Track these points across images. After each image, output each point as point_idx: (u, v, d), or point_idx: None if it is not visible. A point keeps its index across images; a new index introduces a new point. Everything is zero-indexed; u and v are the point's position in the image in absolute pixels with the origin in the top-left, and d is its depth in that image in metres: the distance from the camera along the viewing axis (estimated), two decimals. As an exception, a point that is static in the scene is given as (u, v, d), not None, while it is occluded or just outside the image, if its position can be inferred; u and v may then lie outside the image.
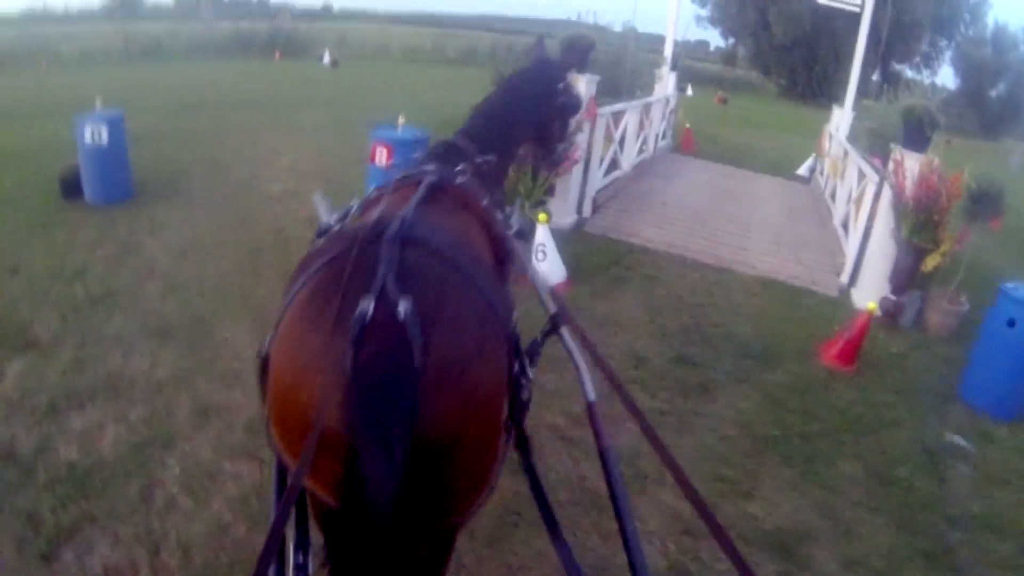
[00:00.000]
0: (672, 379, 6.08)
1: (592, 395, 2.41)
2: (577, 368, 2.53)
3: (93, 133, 8.06)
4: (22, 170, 9.52)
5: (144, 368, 5.15)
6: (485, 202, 2.94)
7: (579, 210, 10.18)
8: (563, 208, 9.50)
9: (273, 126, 13.07)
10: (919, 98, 10.93)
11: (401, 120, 8.16)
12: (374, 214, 2.31)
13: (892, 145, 8.79)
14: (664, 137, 16.78)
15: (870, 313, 6.87)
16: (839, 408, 6.06)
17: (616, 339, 6.69)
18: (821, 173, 15.85)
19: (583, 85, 8.89)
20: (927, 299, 8.19)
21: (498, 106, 3.85)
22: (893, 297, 8.11)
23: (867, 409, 6.16)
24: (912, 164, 8.04)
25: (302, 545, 2.22)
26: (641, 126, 13.48)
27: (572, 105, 4.23)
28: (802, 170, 17.41)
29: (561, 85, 4.15)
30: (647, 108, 13.89)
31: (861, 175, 10.39)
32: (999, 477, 5.57)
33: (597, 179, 10.70)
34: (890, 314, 8.11)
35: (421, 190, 2.55)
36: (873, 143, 13.49)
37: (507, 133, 3.84)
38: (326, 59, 27.07)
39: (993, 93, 45.12)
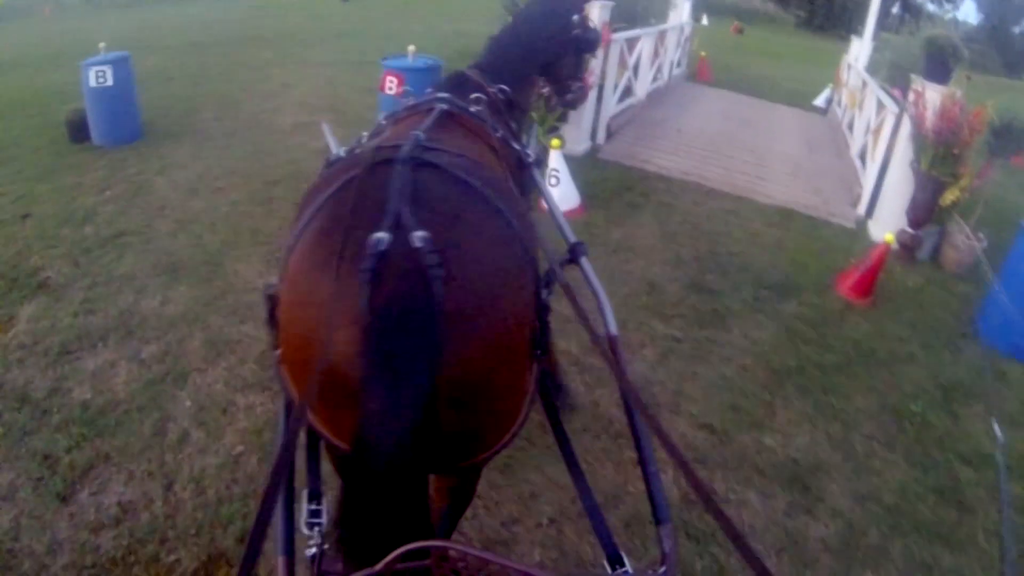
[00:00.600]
0: (686, 306, 6.05)
1: (614, 328, 2.38)
2: (598, 299, 2.50)
3: (98, 75, 7.90)
4: (29, 118, 9.36)
5: (155, 306, 5.13)
6: (500, 132, 2.87)
7: (593, 136, 10.07)
8: (577, 134, 9.39)
9: (283, 61, 12.89)
10: (942, 30, 10.72)
11: (411, 49, 8.02)
12: (387, 138, 2.27)
13: (913, 76, 8.64)
14: (679, 65, 16.51)
15: (887, 245, 6.78)
16: (854, 340, 6.00)
17: (630, 265, 6.65)
18: (839, 104, 15.62)
19: (596, 10, 8.71)
20: (945, 234, 8.10)
21: (511, 38, 3.75)
22: (910, 230, 8.01)
23: (882, 343, 6.11)
24: (933, 96, 7.85)
25: (315, 493, 2.10)
26: (656, 53, 13.24)
27: (588, 40, 4.03)
28: (819, 101, 17.20)
29: (576, 18, 3.93)
30: (662, 35, 13.64)
31: (880, 106, 10.19)
32: (1013, 418, 5.54)
33: (611, 106, 10.54)
34: (907, 247, 8.02)
35: (432, 115, 2.50)
36: (893, 75, 13.27)
37: (520, 66, 3.72)
38: None
39: (1017, 29, 44.40)
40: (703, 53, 18.46)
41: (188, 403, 4.21)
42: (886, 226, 8.11)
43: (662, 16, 15.84)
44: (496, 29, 3.87)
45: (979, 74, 25.50)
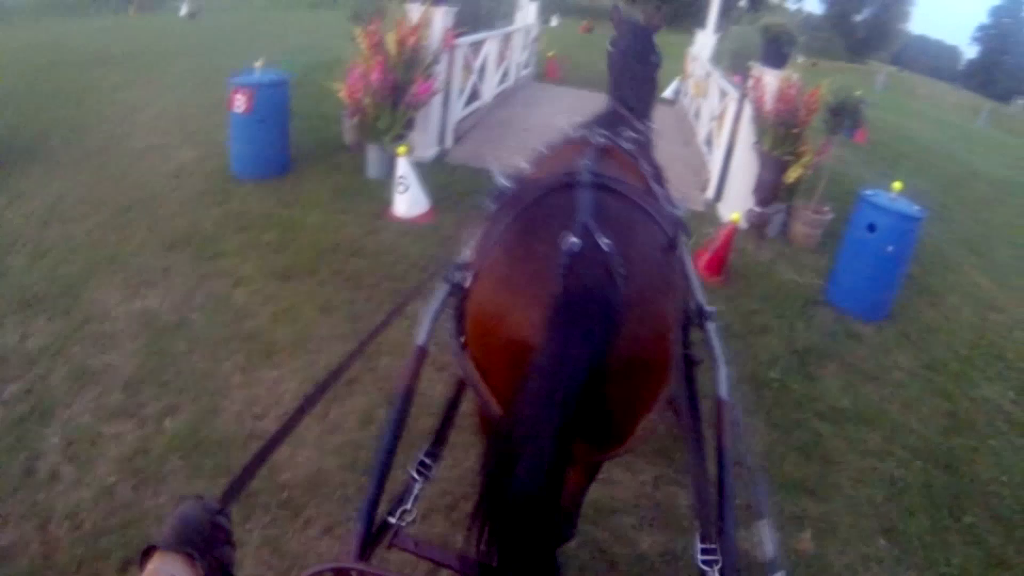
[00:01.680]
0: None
1: (725, 394, 2.57)
2: (716, 364, 2.69)
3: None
4: None
5: (15, 343, 4.94)
6: (650, 169, 3.18)
7: (441, 141, 10.11)
8: (424, 140, 9.45)
9: (132, 83, 12.44)
10: (778, 18, 11.18)
11: (259, 64, 7.98)
12: (554, 166, 2.60)
13: (751, 63, 9.01)
14: (527, 66, 16.75)
15: (734, 224, 7.10)
16: (709, 317, 6.20)
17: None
18: (685, 95, 16.13)
19: (439, 16, 8.79)
20: (792, 210, 8.51)
21: (637, 72, 4.09)
22: (758, 209, 8.38)
23: (737, 317, 6.39)
24: (771, 80, 8.28)
25: (433, 452, 2.53)
26: (502, 56, 13.45)
27: (660, 62, 4.30)
28: (667, 93, 17.64)
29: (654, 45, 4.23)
30: (507, 38, 13.82)
31: (723, 93, 10.65)
32: (867, 373, 5.91)
33: (457, 110, 10.62)
34: (756, 226, 8.39)
35: (592, 150, 2.77)
36: (735, 63, 13.77)
37: (650, 100, 4.19)
38: (184, 11, 25.71)
39: (858, 18, 46.67)
40: (551, 53, 18.76)
41: (56, 439, 4.10)
42: (734, 207, 8.46)
43: (508, 18, 16.06)
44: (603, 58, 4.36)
45: (825, 60, 26.63)
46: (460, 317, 2.39)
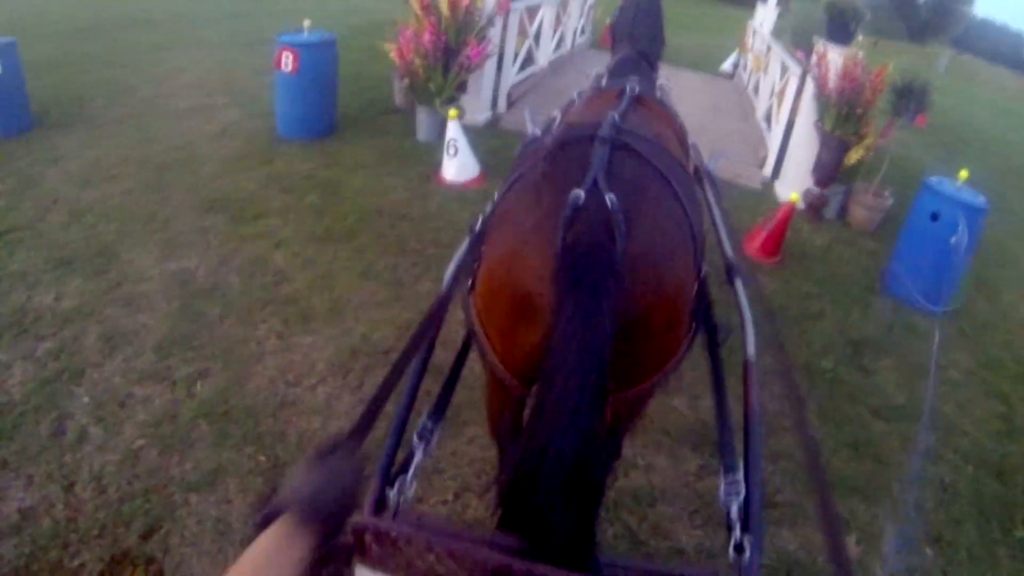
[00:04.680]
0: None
1: (752, 353, 2.59)
2: (743, 322, 2.74)
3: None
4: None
5: (49, 301, 4.87)
6: (679, 121, 3.33)
7: (494, 106, 9.94)
8: (477, 104, 9.26)
9: (174, 44, 12.33)
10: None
11: (307, 24, 7.80)
12: (585, 115, 2.72)
13: (815, 39, 8.71)
14: (583, 33, 16.40)
15: (792, 204, 6.83)
16: (763, 299, 6.00)
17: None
18: (744, 68, 15.77)
19: (494, -24, 8.57)
20: (851, 193, 8.23)
21: (648, 26, 4.29)
22: (817, 190, 8.11)
23: (791, 300, 6.17)
24: (835, 57, 7.98)
25: (436, 415, 2.41)
26: (558, 21, 13.10)
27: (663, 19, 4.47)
28: (726, 66, 17.30)
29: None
30: (564, 3, 13.47)
31: (784, 68, 10.34)
32: (923, 368, 5.61)
33: (511, 75, 10.40)
34: (814, 207, 8.13)
35: (626, 100, 2.79)
36: (797, 39, 13.42)
37: (659, 55, 4.39)
38: None
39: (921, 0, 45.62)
40: (609, 20, 18.23)
41: (86, 399, 4.03)
42: (792, 187, 8.21)
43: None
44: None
45: (885, 40, 26.01)
46: (472, 262, 2.41)
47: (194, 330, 4.69)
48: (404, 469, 2.18)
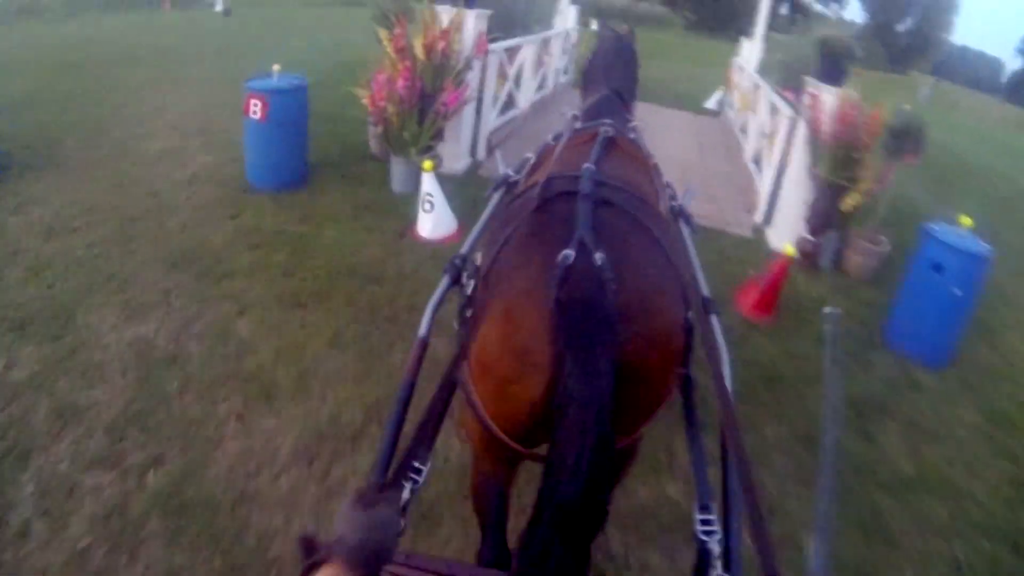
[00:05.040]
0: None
1: (729, 385, 2.54)
2: (717, 355, 2.63)
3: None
4: None
5: (0, 370, 4.59)
6: (654, 160, 3.35)
7: (473, 153, 9.67)
8: (455, 152, 8.99)
9: (157, 82, 12.14)
10: (835, 30, 10.70)
11: (276, 68, 7.56)
12: (559, 167, 2.74)
13: (806, 78, 8.50)
14: (566, 72, 16.33)
15: (788, 258, 6.54)
16: (760, 364, 5.77)
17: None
18: (730, 107, 15.62)
19: (471, 20, 8.33)
20: (846, 239, 7.95)
21: (623, 67, 4.51)
22: (811, 238, 7.85)
23: (788, 363, 5.89)
24: (829, 99, 7.75)
25: (422, 452, 2.40)
26: (540, 62, 12.98)
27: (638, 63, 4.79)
28: (711, 103, 17.20)
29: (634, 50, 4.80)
30: (546, 43, 13.35)
31: (774, 109, 10.13)
32: (930, 431, 5.43)
33: (491, 120, 10.14)
34: (808, 255, 7.87)
35: (598, 145, 2.91)
36: (786, 77, 13.27)
37: (633, 89, 4.57)
38: (219, 6, 25.46)
39: (900, 27, 46.05)
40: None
41: (31, 487, 3.72)
42: (784, 234, 7.99)
43: (545, 22, 15.59)
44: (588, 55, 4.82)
45: (865, 69, 26.03)
46: (464, 321, 2.58)
47: (150, 407, 4.38)
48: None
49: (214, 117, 10.20)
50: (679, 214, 3.52)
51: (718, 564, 2.17)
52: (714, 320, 2.86)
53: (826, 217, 7.71)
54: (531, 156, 3.54)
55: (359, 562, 1.38)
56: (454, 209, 7.27)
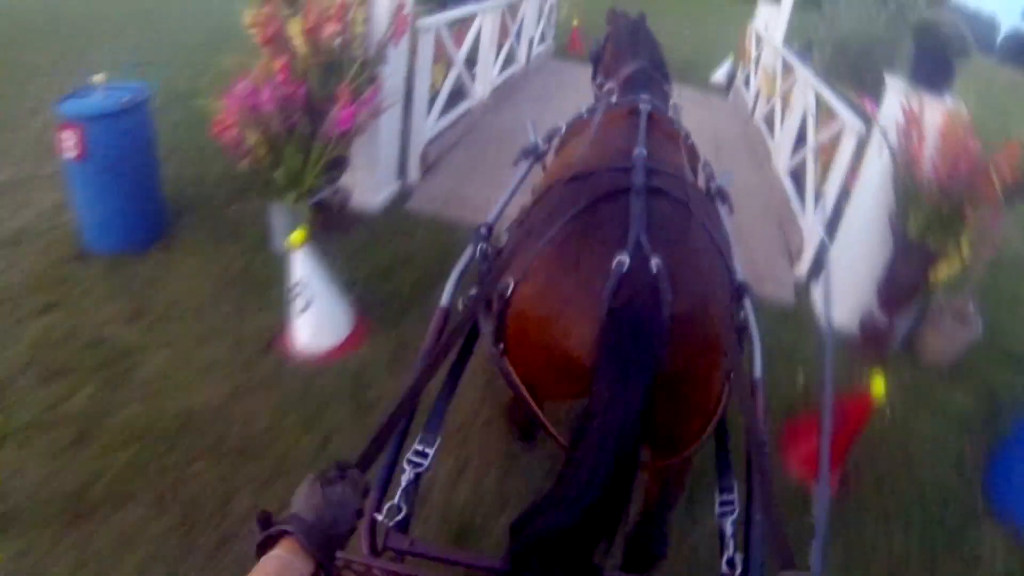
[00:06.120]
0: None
1: (759, 372, 2.71)
2: (751, 342, 2.77)
3: None
4: None
5: None
6: (690, 140, 3.56)
7: (401, 174, 7.13)
8: (370, 181, 6.47)
9: (51, 68, 8.99)
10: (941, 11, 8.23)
11: (98, 78, 5.10)
12: (600, 150, 2.86)
13: (889, 78, 6.00)
14: (543, 40, 13.69)
15: (871, 402, 4.07)
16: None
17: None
18: (746, 84, 13.29)
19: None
20: (927, 312, 5.78)
21: (648, 44, 4.48)
22: (882, 316, 5.64)
23: (857, 548, 3.99)
24: (932, 115, 5.35)
25: (429, 437, 2.40)
26: (504, 32, 10.32)
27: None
28: (718, 75, 14.96)
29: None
30: (512, 9, 10.63)
31: (823, 108, 7.76)
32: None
33: (426, 127, 7.47)
34: (874, 339, 5.68)
35: (642, 122, 3.06)
36: (836, 58, 10.91)
37: (664, 64, 4.49)
38: None
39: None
40: (576, 21, 15.66)
41: None
42: (842, 304, 5.82)
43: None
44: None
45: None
46: (500, 323, 2.42)
47: None
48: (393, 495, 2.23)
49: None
50: (718, 194, 3.38)
51: (731, 544, 2.20)
52: (747, 305, 2.75)
53: (910, 290, 5.51)
54: (562, 125, 3.80)
55: (313, 540, 1.39)
56: (364, 281, 5.09)
